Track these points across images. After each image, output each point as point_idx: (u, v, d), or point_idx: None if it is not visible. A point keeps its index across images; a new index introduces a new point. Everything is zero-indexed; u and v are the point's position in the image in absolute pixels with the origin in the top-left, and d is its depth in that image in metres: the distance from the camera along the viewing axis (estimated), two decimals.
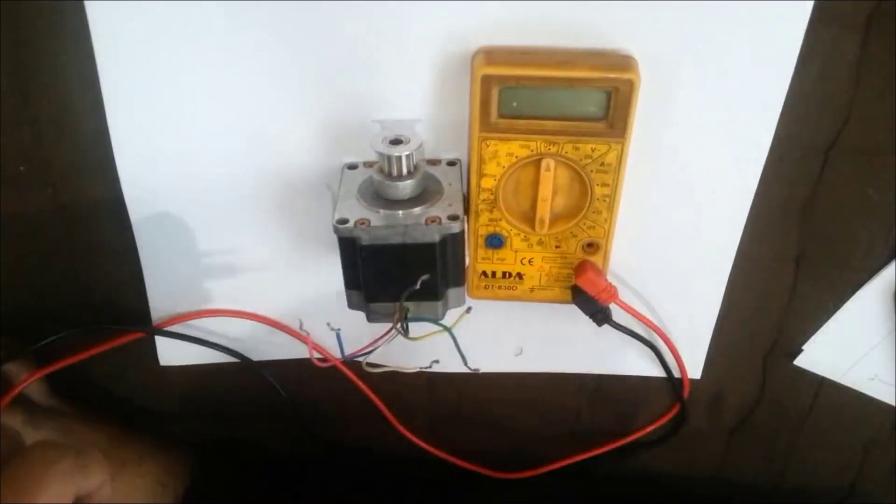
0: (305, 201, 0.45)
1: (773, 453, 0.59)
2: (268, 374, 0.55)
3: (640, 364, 0.53)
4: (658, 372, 0.52)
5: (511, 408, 0.58)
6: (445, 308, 0.43)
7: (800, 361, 0.52)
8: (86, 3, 0.38)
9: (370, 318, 0.42)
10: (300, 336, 0.51)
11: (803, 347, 0.51)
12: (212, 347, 0.51)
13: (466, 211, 0.42)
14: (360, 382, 0.52)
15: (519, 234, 0.43)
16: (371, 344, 0.46)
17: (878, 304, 0.48)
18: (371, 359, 0.46)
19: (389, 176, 0.40)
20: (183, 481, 0.56)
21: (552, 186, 0.41)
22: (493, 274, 0.45)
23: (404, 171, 0.40)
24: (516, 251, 0.44)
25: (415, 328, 0.42)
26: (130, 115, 0.42)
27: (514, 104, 0.38)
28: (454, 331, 0.43)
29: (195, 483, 0.56)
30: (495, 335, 0.52)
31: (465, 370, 0.46)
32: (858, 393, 0.53)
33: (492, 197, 0.41)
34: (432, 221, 0.39)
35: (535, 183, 0.41)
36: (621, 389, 0.55)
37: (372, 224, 0.39)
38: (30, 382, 0.49)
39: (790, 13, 0.37)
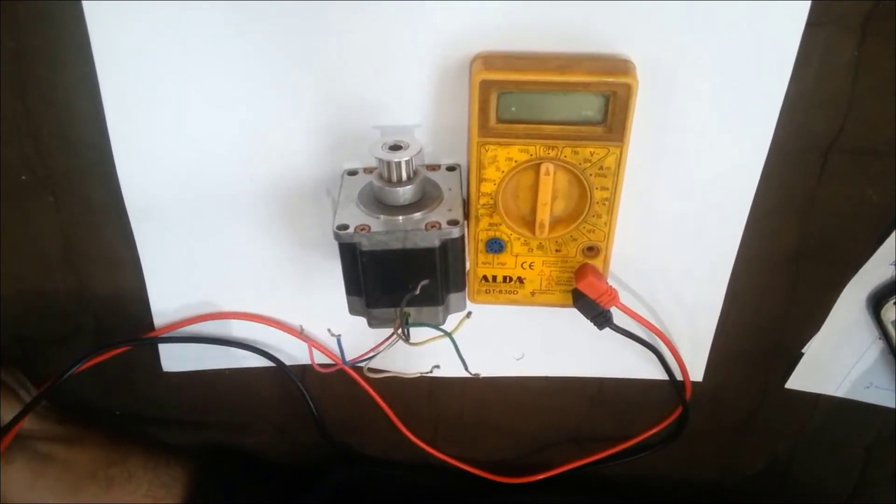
0: (306, 207, 0.45)
1: (776, 455, 0.59)
2: (269, 380, 0.55)
3: (641, 367, 0.53)
4: (660, 375, 0.52)
5: (513, 412, 0.58)
6: (446, 313, 0.43)
7: (791, 384, 0.53)
8: (85, 11, 0.38)
9: (371, 324, 0.42)
10: (303, 339, 0.51)
11: (803, 351, 0.52)
12: (213, 343, 0.51)
13: (466, 216, 0.42)
14: (368, 387, 0.52)
15: (519, 239, 0.43)
16: (372, 349, 0.46)
17: (859, 313, 0.49)
18: (372, 364, 0.46)
19: (389, 181, 0.40)
20: (180, 493, 0.56)
21: (552, 190, 0.41)
22: (494, 278, 0.45)
23: (404, 176, 0.40)
24: (516, 255, 0.44)
25: (416, 333, 0.42)
26: (131, 123, 0.42)
27: (513, 109, 0.38)
28: (455, 336, 0.43)
29: (195, 492, 0.56)
30: (496, 340, 0.52)
31: (466, 375, 0.46)
32: None
33: (491, 201, 0.42)
34: (432, 226, 0.39)
35: (535, 187, 0.41)
36: (623, 392, 0.55)
37: (372, 230, 0.39)
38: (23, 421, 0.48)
39: (787, 14, 0.37)
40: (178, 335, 0.51)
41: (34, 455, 0.50)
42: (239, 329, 0.51)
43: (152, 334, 0.51)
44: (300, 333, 0.51)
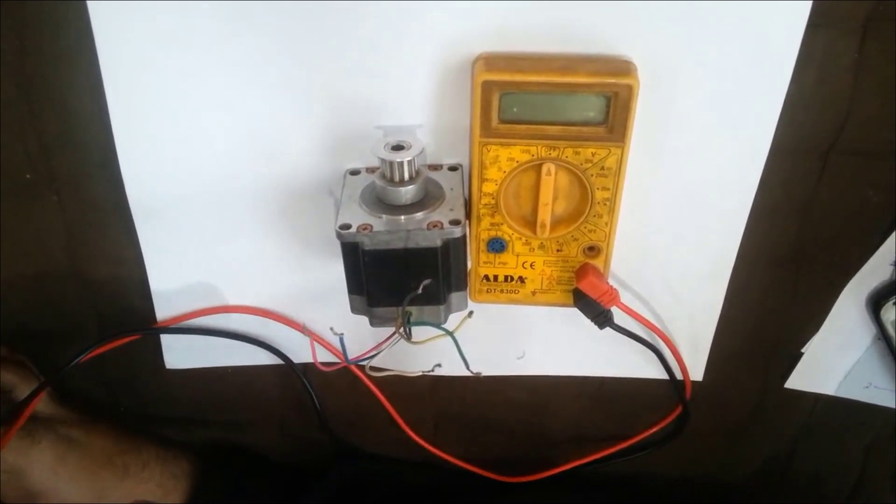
0: (308, 207, 0.46)
1: (775, 454, 0.59)
2: (271, 378, 0.55)
3: (642, 366, 0.53)
4: (660, 374, 0.52)
5: (514, 411, 0.58)
6: (448, 312, 0.43)
7: (791, 383, 0.53)
8: (90, 11, 0.38)
9: (373, 323, 0.43)
10: (306, 335, 0.51)
11: (802, 351, 0.52)
12: (216, 336, 0.51)
13: (468, 215, 0.42)
14: (370, 385, 0.52)
15: (520, 238, 0.43)
16: (374, 348, 0.46)
17: (858, 313, 0.49)
18: (374, 363, 0.47)
19: (391, 181, 0.40)
20: (186, 487, 0.56)
21: (553, 191, 0.41)
22: (495, 278, 0.45)
23: (406, 176, 0.40)
24: (518, 255, 0.44)
25: (417, 332, 0.43)
26: (135, 123, 0.42)
27: (515, 109, 0.38)
28: (456, 335, 0.43)
29: (198, 489, 0.56)
30: (497, 339, 0.52)
31: (467, 374, 0.46)
32: None
33: (493, 201, 0.42)
34: (434, 226, 0.39)
35: (536, 187, 0.41)
36: (623, 392, 0.55)
37: (374, 229, 0.39)
38: (34, 405, 0.48)
39: (788, 16, 0.37)
40: (182, 327, 0.51)
41: (58, 438, 0.50)
42: (241, 327, 0.52)
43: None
44: (303, 331, 0.51)
